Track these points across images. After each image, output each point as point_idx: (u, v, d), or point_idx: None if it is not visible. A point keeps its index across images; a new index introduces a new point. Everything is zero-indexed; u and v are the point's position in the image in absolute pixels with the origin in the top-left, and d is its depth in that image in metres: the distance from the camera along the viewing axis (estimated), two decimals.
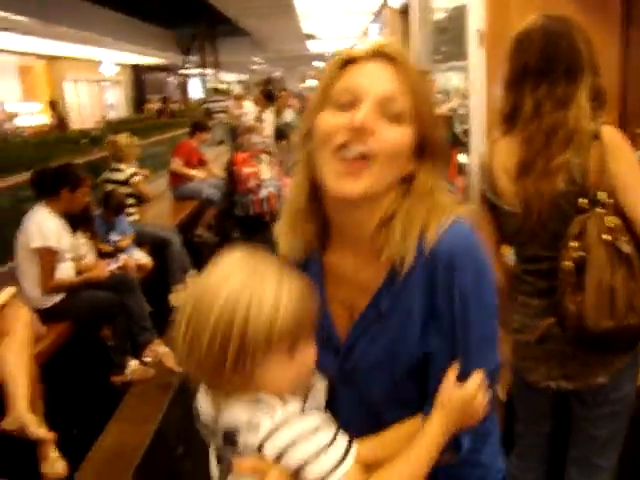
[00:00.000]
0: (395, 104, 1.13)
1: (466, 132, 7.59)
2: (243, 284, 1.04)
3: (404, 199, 1.17)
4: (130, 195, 6.28)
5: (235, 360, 1.03)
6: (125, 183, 6.23)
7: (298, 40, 21.45)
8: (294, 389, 1.11)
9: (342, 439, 1.07)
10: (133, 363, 4.54)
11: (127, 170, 6.33)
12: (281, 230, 1.28)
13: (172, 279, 6.00)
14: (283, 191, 7.70)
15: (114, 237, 5.46)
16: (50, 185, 4.27)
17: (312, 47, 25.37)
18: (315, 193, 1.21)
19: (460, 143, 8.20)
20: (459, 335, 1.12)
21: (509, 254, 2.22)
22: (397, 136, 1.12)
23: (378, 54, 1.17)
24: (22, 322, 3.39)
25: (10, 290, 3.52)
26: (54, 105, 21.11)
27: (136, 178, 6.35)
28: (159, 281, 5.64)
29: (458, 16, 6.32)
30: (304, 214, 1.24)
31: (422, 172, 1.18)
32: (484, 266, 1.15)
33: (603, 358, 1.99)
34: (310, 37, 21.12)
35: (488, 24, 4.89)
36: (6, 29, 17.44)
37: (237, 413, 1.08)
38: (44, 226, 4.11)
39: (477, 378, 1.12)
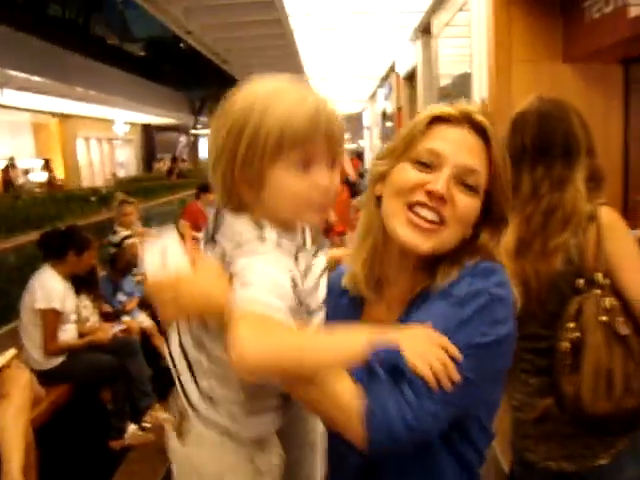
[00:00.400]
0: (473, 176, 1.19)
1: None
2: (271, 90, 1.08)
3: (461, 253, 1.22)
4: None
5: (244, 155, 1.06)
6: (119, 245, 6.21)
7: None
8: (300, 215, 1.12)
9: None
10: (132, 428, 4.48)
11: (120, 232, 6.32)
12: (354, 264, 1.31)
13: None
14: None
15: (121, 298, 5.45)
16: (57, 247, 4.30)
17: None
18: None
19: None
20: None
21: None
22: (469, 206, 1.19)
23: (468, 120, 1.21)
24: (21, 385, 3.36)
25: (11, 352, 3.50)
26: (48, 163, 21.48)
27: (129, 241, 6.30)
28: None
29: (464, 83, 6.43)
30: (380, 253, 1.27)
31: (484, 238, 1.23)
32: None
33: (603, 439, 1.96)
34: None
35: (490, 93, 4.97)
36: (22, 88, 17.85)
37: (234, 226, 1.11)
38: (49, 287, 4.12)
39: (452, 349, 1.05)
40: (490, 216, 1.23)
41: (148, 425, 4.52)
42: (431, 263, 1.22)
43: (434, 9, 7.24)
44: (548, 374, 1.95)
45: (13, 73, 16.02)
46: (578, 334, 1.86)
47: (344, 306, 1.33)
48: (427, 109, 1.26)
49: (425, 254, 1.18)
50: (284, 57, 12.42)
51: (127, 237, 6.27)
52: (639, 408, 1.87)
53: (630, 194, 4.11)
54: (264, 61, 13.35)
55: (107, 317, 5.01)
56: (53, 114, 23.13)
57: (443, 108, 1.23)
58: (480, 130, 1.20)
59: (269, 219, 1.11)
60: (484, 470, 1.28)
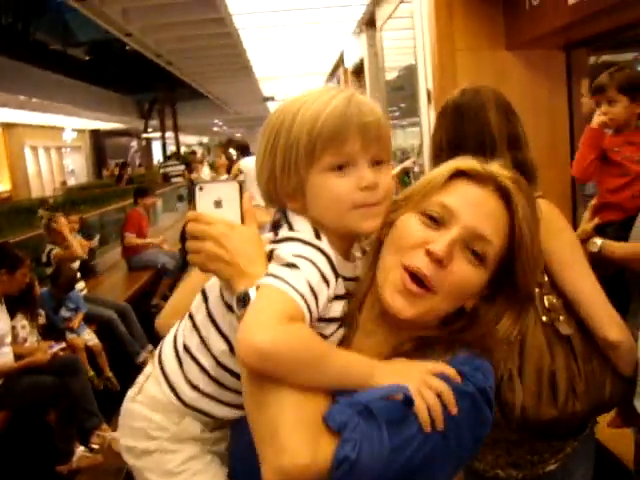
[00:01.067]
0: (483, 245, 1.05)
1: None
2: (301, 98, 1.06)
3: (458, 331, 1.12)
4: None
5: (282, 167, 1.04)
6: (48, 264, 6.00)
7: (257, 102, 21.62)
8: (348, 221, 1.05)
9: (321, 292, 1.00)
10: (80, 450, 4.27)
11: (47, 249, 6.10)
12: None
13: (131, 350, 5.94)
14: None
15: (64, 314, 5.25)
16: None
17: (272, 108, 25.65)
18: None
19: None
20: None
21: None
22: (471, 276, 1.05)
23: (494, 181, 1.08)
24: None
25: None
26: None
27: (53, 252, 6.08)
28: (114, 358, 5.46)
29: (410, 75, 6.38)
30: (363, 299, 1.15)
31: (505, 316, 1.11)
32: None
33: (551, 444, 1.85)
34: (269, 99, 21.33)
35: (436, 83, 4.91)
36: None
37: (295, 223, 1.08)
38: None
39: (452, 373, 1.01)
40: (513, 293, 1.10)
41: (96, 446, 4.32)
42: (418, 326, 1.10)
43: (377, 1, 7.16)
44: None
45: None
46: (518, 336, 1.74)
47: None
48: (451, 161, 1.14)
49: (409, 320, 1.05)
50: (230, 57, 12.27)
51: (50, 250, 6.04)
52: (586, 411, 1.76)
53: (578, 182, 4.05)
54: (210, 61, 13.19)
55: (48, 335, 4.80)
56: None
57: (469, 162, 1.11)
58: (505, 195, 1.08)
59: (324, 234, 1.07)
60: None
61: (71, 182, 26.47)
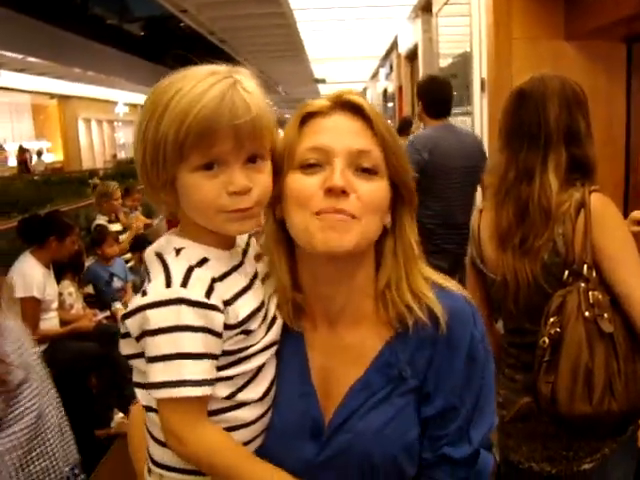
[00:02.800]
0: (367, 158, 1.04)
1: None
2: (175, 82, 0.97)
3: (396, 261, 1.10)
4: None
5: (151, 161, 0.96)
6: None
7: (309, 83, 21.58)
8: (217, 223, 1.00)
9: (207, 366, 0.97)
10: (118, 416, 4.37)
11: (96, 221, 6.14)
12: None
13: None
14: None
15: (117, 284, 5.34)
16: (37, 233, 4.17)
17: (323, 90, 25.56)
18: (292, 259, 1.11)
19: None
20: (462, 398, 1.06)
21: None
22: (375, 190, 1.05)
23: (340, 104, 1.07)
24: None
25: None
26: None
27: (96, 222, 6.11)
28: None
29: (464, 62, 6.29)
30: (290, 286, 1.11)
31: (406, 221, 1.12)
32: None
33: (589, 443, 1.81)
34: (320, 81, 21.25)
35: (490, 72, 4.83)
36: (19, 69, 17.73)
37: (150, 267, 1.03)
38: (28, 276, 4.00)
39: None
40: (403, 201, 1.11)
41: None
42: (366, 267, 1.11)
43: None
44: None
45: (10, 54, 15.86)
46: (558, 329, 1.71)
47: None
48: (297, 108, 1.11)
49: (351, 251, 1.02)
50: (284, 36, 12.24)
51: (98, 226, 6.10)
52: (625, 412, 1.72)
53: (633, 175, 3.97)
54: (263, 40, 13.18)
55: (94, 304, 4.91)
56: (52, 95, 22.96)
57: (311, 103, 1.09)
58: (356, 109, 1.06)
59: (195, 229, 1.02)
60: None
61: (121, 155, 26.85)
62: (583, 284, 1.72)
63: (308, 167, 1.04)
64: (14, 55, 16.10)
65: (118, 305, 5.17)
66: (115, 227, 6.14)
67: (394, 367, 1.07)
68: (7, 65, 16.88)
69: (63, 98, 23.81)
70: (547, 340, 1.71)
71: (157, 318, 0.95)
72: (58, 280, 4.42)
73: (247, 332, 1.03)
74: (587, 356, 1.68)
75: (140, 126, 0.98)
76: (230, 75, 0.98)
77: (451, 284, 1.12)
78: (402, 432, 1.05)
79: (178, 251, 1.01)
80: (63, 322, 4.32)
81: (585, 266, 1.72)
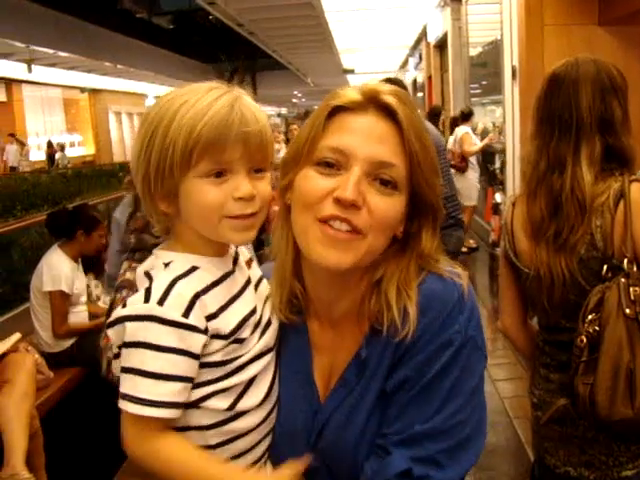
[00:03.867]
0: (389, 171, 0.98)
1: (502, 169, 7.42)
2: (182, 97, 0.98)
3: (399, 259, 1.04)
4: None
5: (157, 168, 0.96)
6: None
7: (337, 74, 21.53)
8: (219, 231, 0.99)
9: (170, 389, 0.95)
10: None
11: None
12: (271, 287, 1.13)
13: None
14: None
15: None
16: (65, 227, 4.17)
17: (352, 81, 25.51)
18: (298, 252, 1.07)
19: (496, 181, 8.01)
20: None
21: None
22: (390, 207, 0.98)
23: (374, 104, 1.00)
24: (25, 370, 3.26)
25: (15, 336, 3.41)
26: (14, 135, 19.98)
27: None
28: None
29: (495, 51, 6.19)
30: (291, 274, 1.09)
31: (424, 233, 1.04)
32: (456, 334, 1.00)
33: (630, 448, 1.71)
34: (349, 71, 21.19)
35: (522, 60, 4.74)
36: (50, 64, 17.95)
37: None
38: (56, 269, 4.00)
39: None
40: (422, 212, 1.04)
41: None
42: (367, 270, 1.05)
43: None
44: (570, 370, 1.73)
45: (41, 49, 16.05)
46: (597, 327, 1.63)
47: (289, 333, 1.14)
48: (326, 97, 1.05)
49: (349, 269, 0.99)
50: (312, 28, 12.21)
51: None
52: None
53: None
54: (292, 32, 13.16)
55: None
56: (82, 89, 23.22)
57: (342, 94, 1.02)
58: (391, 114, 0.99)
59: (191, 240, 1.02)
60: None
61: None
62: (623, 279, 1.63)
63: (325, 166, 0.99)
64: (45, 50, 16.27)
65: None
66: None
67: (366, 362, 1.03)
68: (39, 60, 17.09)
69: (94, 92, 24.06)
70: (585, 339, 1.62)
71: (129, 331, 0.95)
72: (85, 272, 4.44)
73: (239, 341, 1.01)
74: (629, 356, 1.59)
75: (143, 138, 0.98)
76: (231, 90, 0.99)
77: (449, 269, 1.05)
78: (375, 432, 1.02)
79: (167, 265, 1.01)
80: (92, 315, 4.33)
81: (625, 260, 1.63)
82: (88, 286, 4.47)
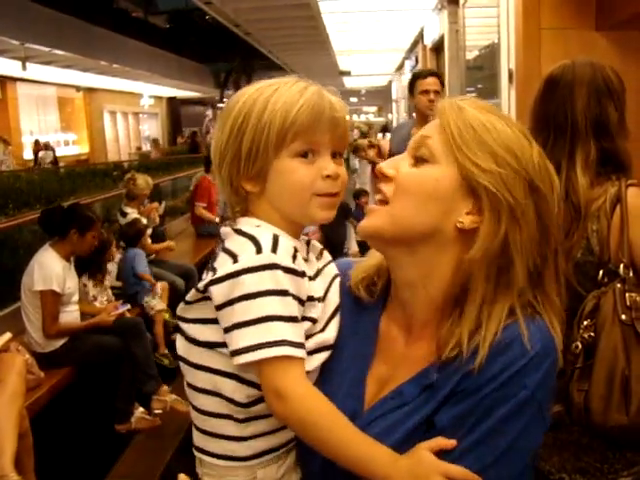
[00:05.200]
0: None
1: None
2: (271, 87, 1.06)
3: (486, 279, 0.98)
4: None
5: (249, 149, 1.03)
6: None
7: (334, 76, 21.51)
8: (306, 207, 1.06)
9: (301, 330, 1.00)
10: (139, 411, 4.35)
11: (130, 215, 6.17)
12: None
13: None
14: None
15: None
16: (58, 225, 4.14)
17: (348, 83, 25.51)
18: None
19: None
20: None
21: None
22: (413, 175, 1.03)
23: None
24: (15, 371, 3.22)
25: (5, 336, 3.38)
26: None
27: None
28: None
29: (492, 54, 6.18)
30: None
31: (512, 240, 0.97)
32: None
33: (625, 455, 1.70)
34: (345, 73, 21.17)
35: (518, 63, 4.73)
36: (45, 62, 17.86)
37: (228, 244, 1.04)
38: (48, 268, 3.97)
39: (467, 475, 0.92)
40: (506, 208, 0.98)
41: (158, 411, 4.38)
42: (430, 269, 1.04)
43: None
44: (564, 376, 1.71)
45: (36, 47, 15.97)
46: (592, 333, 1.61)
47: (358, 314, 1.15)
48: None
49: (377, 233, 1.05)
50: (309, 29, 12.18)
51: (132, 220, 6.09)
52: None
53: None
54: (288, 32, 13.12)
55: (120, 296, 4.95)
56: (77, 88, 23.12)
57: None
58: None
59: (273, 219, 1.08)
60: None
61: (146, 148, 26.98)
62: (619, 285, 1.61)
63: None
64: (40, 48, 16.19)
65: (154, 302, 5.21)
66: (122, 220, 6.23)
67: (427, 378, 1.01)
68: (34, 58, 16.99)
69: (89, 90, 23.97)
70: (580, 345, 1.61)
71: (252, 282, 0.97)
72: (82, 272, 4.42)
73: (313, 320, 1.05)
74: (624, 363, 1.57)
75: (234, 122, 1.05)
76: (314, 83, 1.08)
77: (542, 322, 0.99)
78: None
79: (257, 227, 1.06)
80: (84, 314, 4.30)
81: (622, 265, 1.62)
82: (85, 285, 4.46)
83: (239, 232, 1.05)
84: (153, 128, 31.71)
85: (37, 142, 19.69)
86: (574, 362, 1.62)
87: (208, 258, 1.13)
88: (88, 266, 4.51)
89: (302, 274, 1.02)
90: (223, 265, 1.01)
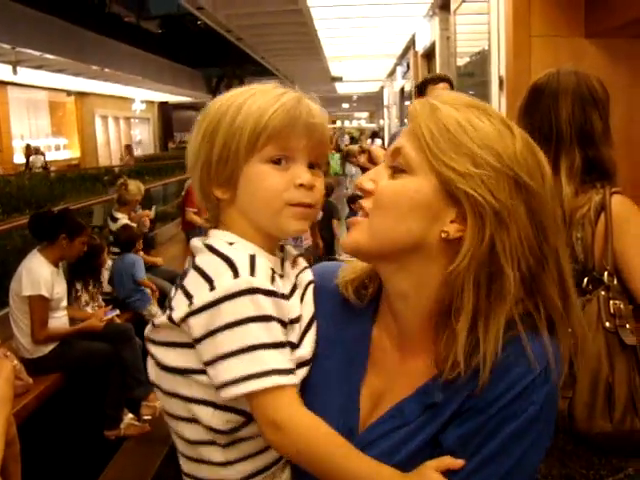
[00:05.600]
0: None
1: None
2: (249, 91, 1.02)
3: (477, 287, 0.91)
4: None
5: (219, 155, 0.99)
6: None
7: (325, 82, 21.53)
8: (278, 218, 1.01)
9: (288, 355, 0.96)
10: (128, 417, 4.33)
11: (121, 220, 6.12)
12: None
13: None
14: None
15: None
16: (47, 230, 4.11)
17: (340, 89, 25.56)
18: None
19: None
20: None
21: None
22: (389, 187, 0.96)
23: None
24: (3, 377, 3.19)
25: None
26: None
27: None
28: None
29: (482, 61, 6.21)
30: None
31: (499, 246, 0.89)
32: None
33: (610, 462, 1.70)
34: (337, 79, 21.19)
35: (509, 70, 4.75)
36: (37, 66, 17.82)
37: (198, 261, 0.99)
38: (36, 274, 3.94)
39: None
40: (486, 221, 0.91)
41: (148, 417, 4.36)
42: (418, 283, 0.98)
43: None
44: None
45: (27, 51, 15.94)
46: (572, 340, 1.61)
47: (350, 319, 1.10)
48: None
49: (354, 251, 1.00)
50: (301, 35, 12.19)
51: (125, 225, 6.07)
52: None
53: None
54: (280, 38, 13.14)
55: (110, 301, 4.93)
56: (69, 92, 23.06)
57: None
58: None
59: (246, 233, 1.02)
60: None
61: (137, 152, 26.93)
62: (603, 292, 1.63)
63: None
64: (31, 52, 16.16)
65: (155, 309, 5.20)
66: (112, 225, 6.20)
67: (430, 397, 0.96)
68: (25, 62, 16.95)
69: (80, 95, 23.91)
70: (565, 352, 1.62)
71: (232, 310, 0.92)
72: (75, 277, 4.40)
73: (291, 344, 1.00)
74: (607, 370, 1.58)
75: (207, 125, 1.01)
76: (294, 89, 1.04)
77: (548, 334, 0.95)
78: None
79: (231, 244, 1.00)
80: (73, 320, 4.28)
81: (606, 273, 1.63)
82: (77, 290, 4.43)
83: (212, 249, 0.99)
84: (145, 133, 31.65)
85: (28, 146, 19.66)
86: None
87: None
88: (82, 271, 4.49)
89: (282, 296, 0.97)
90: (198, 291, 0.95)
